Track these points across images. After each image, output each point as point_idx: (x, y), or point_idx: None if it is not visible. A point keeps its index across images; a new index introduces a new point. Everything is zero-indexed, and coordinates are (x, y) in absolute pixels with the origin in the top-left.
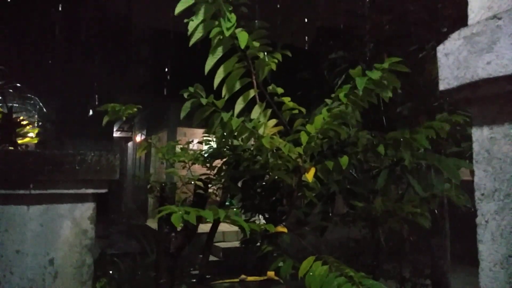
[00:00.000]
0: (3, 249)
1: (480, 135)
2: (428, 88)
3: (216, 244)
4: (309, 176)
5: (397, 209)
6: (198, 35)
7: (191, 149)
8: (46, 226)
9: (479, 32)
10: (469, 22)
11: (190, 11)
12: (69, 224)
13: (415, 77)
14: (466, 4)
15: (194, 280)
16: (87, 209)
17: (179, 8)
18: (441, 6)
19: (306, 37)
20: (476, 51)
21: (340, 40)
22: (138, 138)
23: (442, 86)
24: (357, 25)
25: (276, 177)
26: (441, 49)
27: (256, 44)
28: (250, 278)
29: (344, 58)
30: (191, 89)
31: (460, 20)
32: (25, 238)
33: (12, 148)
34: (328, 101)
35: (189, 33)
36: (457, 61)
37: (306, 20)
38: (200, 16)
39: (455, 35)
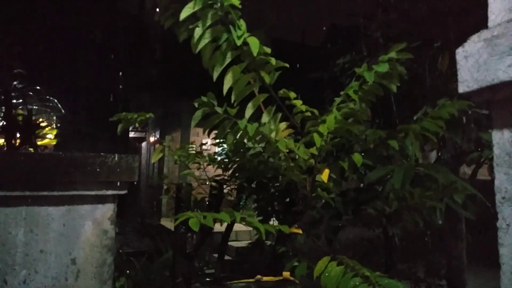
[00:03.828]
0: (28, 249)
1: (500, 138)
2: (438, 87)
3: (229, 243)
4: (324, 176)
5: (413, 198)
6: (204, 41)
7: (205, 149)
8: (68, 226)
9: (500, 34)
10: (489, 24)
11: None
12: (90, 225)
13: (424, 76)
14: (481, 5)
15: (209, 279)
16: (107, 210)
17: (184, 14)
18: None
19: (312, 36)
20: (497, 54)
21: (347, 40)
22: (152, 138)
23: (461, 89)
24: (363, 24)
25: (290, 178)
26: (460, 52)
27: (268, 49)
28: (265, 278)
29: (351, 62)
30: (204, 98)
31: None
32: (49, 238)
33: (32, 149)
34: (337, 99)
35: (195, 40)
36: (477, 64)
37: (309, 19)
38: (206, 22)
39: (474, 38)
